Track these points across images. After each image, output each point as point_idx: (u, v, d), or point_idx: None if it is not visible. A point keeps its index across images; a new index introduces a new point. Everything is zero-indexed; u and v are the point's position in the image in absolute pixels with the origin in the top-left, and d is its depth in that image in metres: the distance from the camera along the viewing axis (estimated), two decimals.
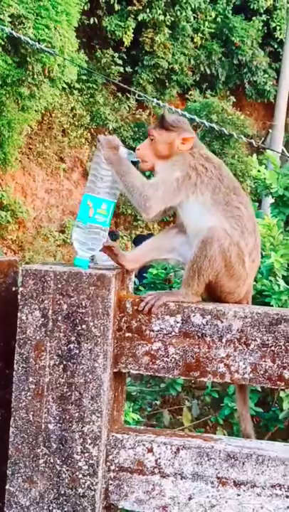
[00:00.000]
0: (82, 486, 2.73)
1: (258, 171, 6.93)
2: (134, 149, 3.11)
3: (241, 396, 3.17)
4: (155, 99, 11.05)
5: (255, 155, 7.23)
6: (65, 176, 20.49)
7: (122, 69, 20.62)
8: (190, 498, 2.76)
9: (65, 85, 17.10)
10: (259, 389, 5.45)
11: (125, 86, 14.05)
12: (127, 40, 20.55)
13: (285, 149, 18.71)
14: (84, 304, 2.72)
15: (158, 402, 6.11)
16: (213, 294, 2.99)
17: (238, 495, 2.73)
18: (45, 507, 2.73)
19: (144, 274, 6.20)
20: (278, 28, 23.65)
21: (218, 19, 22.74)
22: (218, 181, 3.00)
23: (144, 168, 3.12)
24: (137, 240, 14.70)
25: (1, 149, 17.04)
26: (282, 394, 5.43)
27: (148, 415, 5.93)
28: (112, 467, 2.80)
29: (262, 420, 5.68)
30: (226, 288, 2.97)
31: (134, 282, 3.21)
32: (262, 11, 23.36)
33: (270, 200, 7.33)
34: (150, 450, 2.79)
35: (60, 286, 2.73)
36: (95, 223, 2.91)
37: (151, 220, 3.07)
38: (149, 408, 6.03)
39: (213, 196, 2.98)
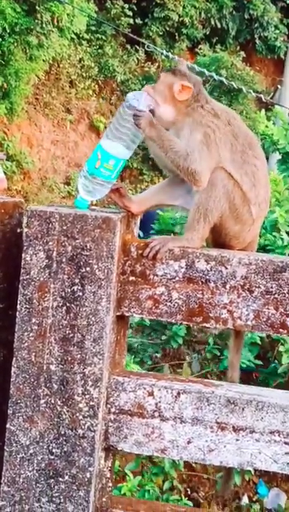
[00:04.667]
0: (82, 427, 2.74)
1: (266, 126, 6.90)
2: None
3: (236, 344, 3.17)
4: (164, 51, 10.93)
5: (263, 111, 7.19)
6: (72, 128, 20.37)
7: (131, 20, 20.34)
8: (189, 442, 2.78)
9: (73, 35, 16.94)
10: (259, 342, 5.49)
11: (135, 37, 13.89)
12: None
13: None
14: (88, 247, 2.71)
15: (158, 355, 6.15)
16: (218, 238, 2.97)
17: (237, 440, 2.75)
18: (45, 446, 2.76)
19: (151, 232, 6.22)
20: None
21: None
22: (232, 138, 2.94)
23: None
24: None
25: (8, 99, 16.91)
26: (281, 348, 5.47)
27: (148, 368, 5.97)
28: (113, 409, 2.82)
29: (261, 374, 5.73)
30: (230, 231, 2.95)
31: (139, 235, 3.20)
32: None
33: (277, 156, 7.31)
34: (151, 394, 2.80)
35: (65, 228, 2.72)
36: (99, 176, 2.87)
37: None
38: (150, 361, 6.07)
39: (232, 156, 2.93)
